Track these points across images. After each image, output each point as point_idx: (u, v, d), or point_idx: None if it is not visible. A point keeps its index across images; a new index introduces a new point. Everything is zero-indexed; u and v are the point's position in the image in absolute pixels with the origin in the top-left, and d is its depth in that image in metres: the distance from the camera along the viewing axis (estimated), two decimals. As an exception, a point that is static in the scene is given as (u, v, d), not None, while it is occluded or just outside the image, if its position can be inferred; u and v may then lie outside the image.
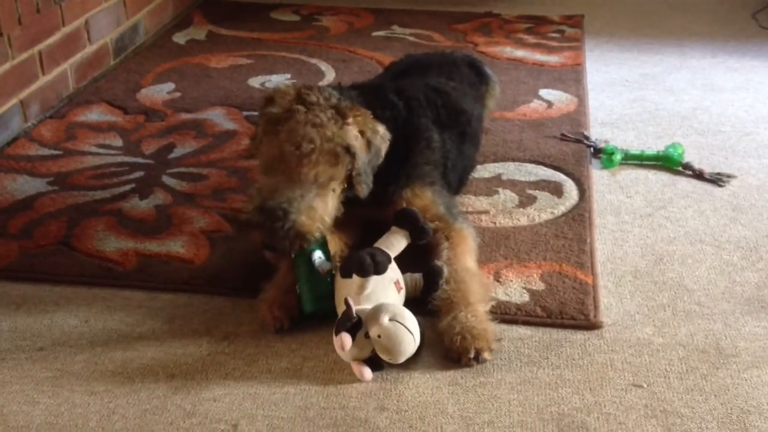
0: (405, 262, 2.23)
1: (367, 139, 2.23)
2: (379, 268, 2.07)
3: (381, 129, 2.27)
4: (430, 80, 2.75)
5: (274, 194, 2.11)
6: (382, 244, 2.21)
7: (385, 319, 1.96)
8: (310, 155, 2.12)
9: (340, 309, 2.07)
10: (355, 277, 2.06)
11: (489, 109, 3.10)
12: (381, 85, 2.54)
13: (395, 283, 2.13)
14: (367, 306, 2.02)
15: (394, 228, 2.26)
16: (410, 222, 2.26)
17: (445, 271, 2.20)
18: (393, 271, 2.14)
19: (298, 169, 2.12)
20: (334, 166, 2.17)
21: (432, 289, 2.17)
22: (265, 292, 2.21)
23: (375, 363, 1.99)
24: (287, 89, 2.26)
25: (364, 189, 2.23)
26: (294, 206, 2.10)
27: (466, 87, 2.87)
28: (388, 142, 2.29)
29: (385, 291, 2.09)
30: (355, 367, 1.98)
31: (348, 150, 2.18)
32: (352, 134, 2.19)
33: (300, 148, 2.12)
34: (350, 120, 2.19)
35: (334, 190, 2.21)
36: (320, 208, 2.16)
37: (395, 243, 2.22)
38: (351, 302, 1.98)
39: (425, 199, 2.37)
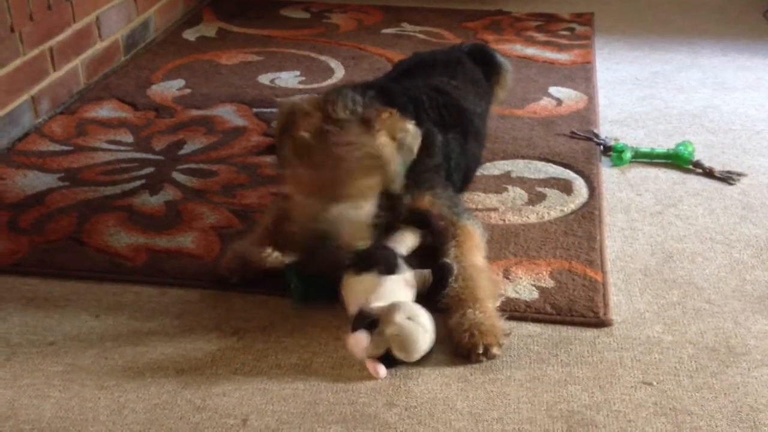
0: (413, 259, 2.23)
1: (399, 140, 2.23)
2: (396, 269, 2.08)
3: (411, 127, 2.27)
4: (432, 80, 2.75)
5: (317, 217, 2.12)
6: (393, 241, 2.21)
7: (401, 318, 1.96)
8: (347, 175, 2.14)
9: (350, 306, 2.07)
10: (371, 274, 2.06)
11: (498, 100, 3.09)
12: (390, 87, 2.54)
13: (405, 281, 2.13)
14: (380, 304, 2.02)
15: (406, 227, 2.26)
16: (424, 224, 2.25)
17: (455, 268, 2.20)
18: (404, 269, 2.14)
19: (337, 190, 2.14)
20: (370, 177, 2.19)
21: (440, 286, 2.17)
22: (237, 244, 2.32)
23: (388, 360, 1.99)
24: (309, 108, 2.21)
25: (397, 188, 2.26)
26: (337, 225, 2.12)
27: (468, 85, 2.87)
28: (420, 138, 2.29)
29: (398, 290, 2.08)
30: (370, 365, 1.98)
31: (380, 158, 2.19)
32: (383, 142, 2.20)
33: (337, 170, 2.13)
34: (378, 127, 2.19)
35: (371, 197, 2.23)
36: (361, 219, 2.18)
37: (407, 242, 2.22)
38: (368, 300, 1.99)
39: (425, 202, 2.38)
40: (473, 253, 2.28)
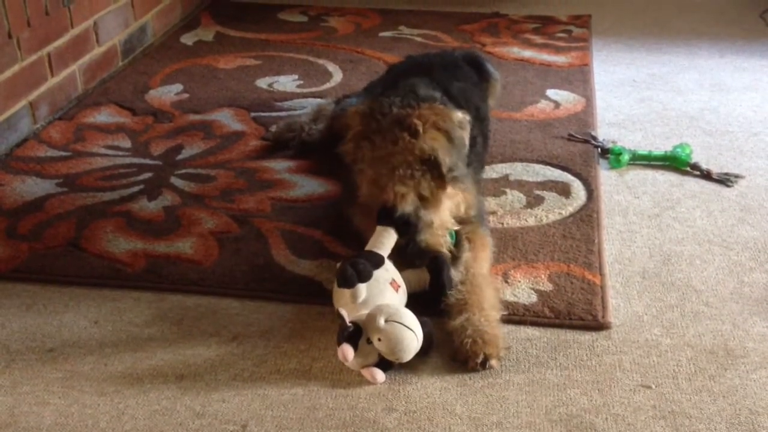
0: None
1: (444, 131, 2.22)
2: (363, 276, 2.06)
3: (457, 115, 2.26)
4: (439, 81, 2.74)
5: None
6: (372, 245, 2.19)
7: (381, 322, 1.95)
8: (392, 186, 2.16)
9: None
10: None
11: (489, 108, 3.10)
12: (407, 83, 2.53)
13: (391, 283, 2.11)
14: (365, 312, 2.02)
15: (379, 227, 2.21)
16: (392, 217, 2.19)
17: (449, 261, 2.21)
18: (387, 271, 2.13)
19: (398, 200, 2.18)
20: (430, 176, 2.19)
21: (439, 280, 2.16)
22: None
23: (385, 364, 1.99)
24: (352, 120, 2.29)
25: (458, 183, 2.27)
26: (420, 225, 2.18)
27: (470, 87, 2.87)
28: (470, 125, 2.29)
29: (382, 294, 2.07)
30: (366, 373, 1.98)
31: (431, 157, 2.18)
32: (427, 141, 2.18)
33: (379, 185, 2.17)
34: (419, 126, 2.18)
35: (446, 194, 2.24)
36: (435, 220, 2.22)
37: (384, 242, 2.19)
38: (343, 312, 1.99)
39: (471, 198, 2.38)
40: (483, 263, 2.29)
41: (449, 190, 2.25)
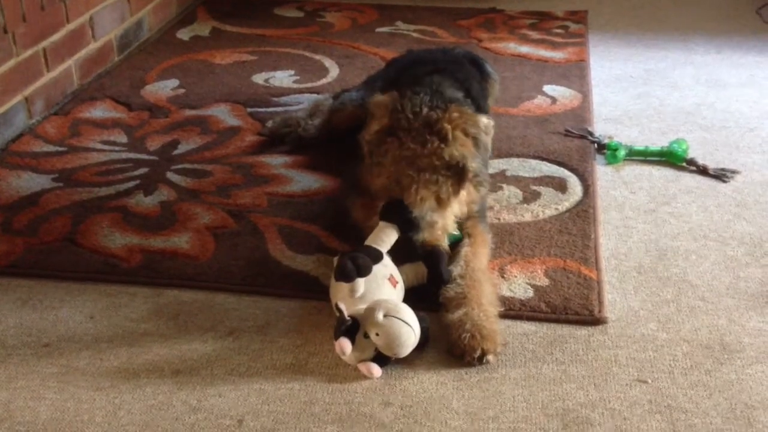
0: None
1: (473, 137, 2.23)
2: (362, 271, 2.06)
3: (483, 120, 2.27)
4: (443, 77, 2.73)
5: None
6: (372, 240, 2.19)
7: (379, 317, 1.95)
8: (416, 189, 2.16)
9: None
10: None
11: (489, 107, 3.10)
12: (432, 80, 2.52)
13: (389, 278, 2.11)
14: (363, 307, 2.02)
15: (382, 223, 2.22)
16: (397, 214, 2.21)
17: (446, 256, 2.21)
18: (385, 266, 2.13)
19: (413, 198, 2.18)
20: (451, 181, 2.20)
21: (437, 273, 2.16)
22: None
23: (382, 359, 1.99)
24: (381, 115, 2.28)
25: (482, 189, 2.27)
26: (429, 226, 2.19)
27: (475, 84, 2.87)
28: (492, 130, 2.30)
29: (379, 289, 2.08)
30: (362, 368, 1.98)
31: (459, 164, 2.19)
32: (457, 148, 2.19)
33: (401, 184, 2.18)
34: (449, 132, 2.19)
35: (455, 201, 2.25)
36: (440, 222, 2.22)
37: (385, 238, 2.19)
38: (342, 306, 1.99)
39: (473, 195, 2.38)
40: (482, 258, 2.29)
41: (462, 194, 2.26)
